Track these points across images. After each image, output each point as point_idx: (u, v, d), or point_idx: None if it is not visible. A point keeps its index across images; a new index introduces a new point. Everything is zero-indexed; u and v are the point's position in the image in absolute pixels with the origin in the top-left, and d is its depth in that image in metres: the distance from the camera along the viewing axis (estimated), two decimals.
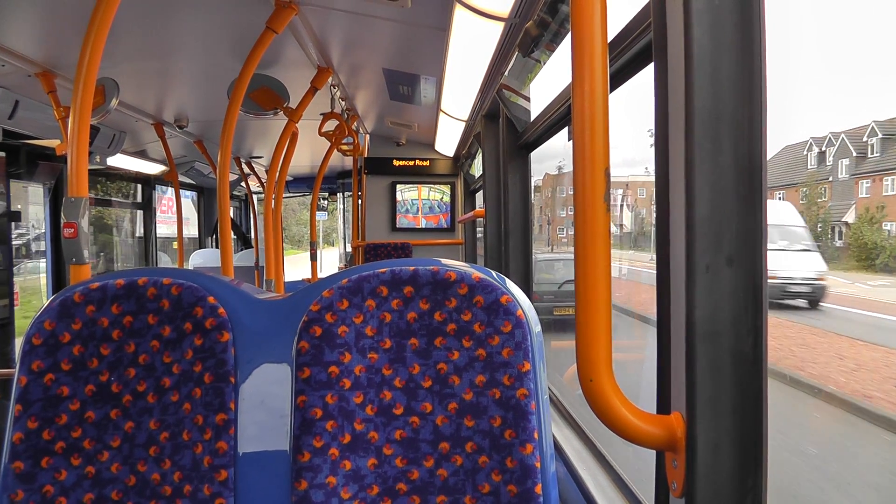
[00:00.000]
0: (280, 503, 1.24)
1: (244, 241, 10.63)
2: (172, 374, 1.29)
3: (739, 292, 1.15)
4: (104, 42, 2.20)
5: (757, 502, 1.16)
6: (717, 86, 1.13)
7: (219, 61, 3.72)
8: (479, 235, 6.76)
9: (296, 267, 14.33)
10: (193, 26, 3.19)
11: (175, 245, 8.39)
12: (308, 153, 7.50)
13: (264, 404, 1.28)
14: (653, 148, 1.27)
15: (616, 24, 1.67)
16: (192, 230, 9.45)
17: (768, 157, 1.13)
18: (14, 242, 4.92)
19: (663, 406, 1.28)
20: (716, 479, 1.15)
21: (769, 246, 1.14)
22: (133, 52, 3.48)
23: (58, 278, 5.57)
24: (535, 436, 1.24)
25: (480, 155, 4.67)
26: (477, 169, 6.53)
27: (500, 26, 2.74)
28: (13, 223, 4.95)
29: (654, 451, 1.30)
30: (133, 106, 4.68)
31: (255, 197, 9.87)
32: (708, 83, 1.12)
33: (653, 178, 1.25)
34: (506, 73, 3.21)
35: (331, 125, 5.03)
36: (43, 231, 5.62)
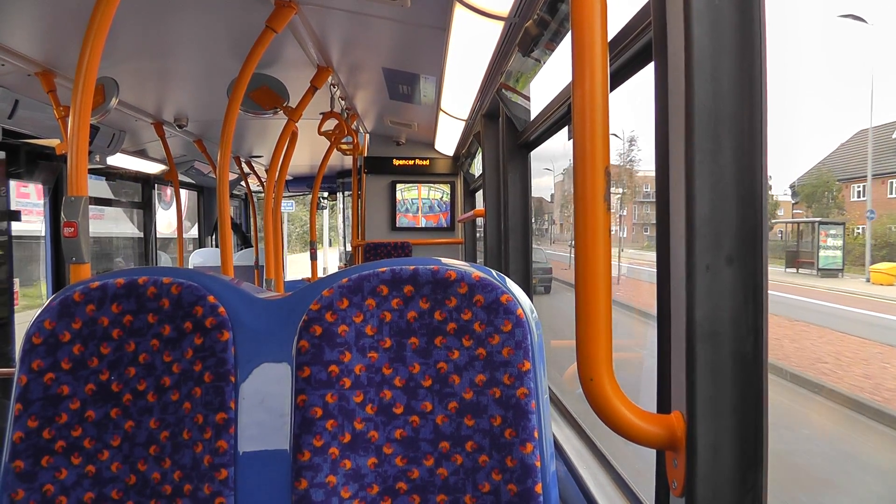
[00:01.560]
0: (280, 502, 1.24)
1: (244, 241, 10.62)
2: (172, 373, 1.29)
3: (739, 292, 1.15)
4: (104, 41, 2.20)
5: (757, 501, 1.16)
6: (718, 85, 1.12)
7: (218, 60, 3.71)
8: (479, 235, 6.76)
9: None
10: (193, 25, 3.19)
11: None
12: (308, 152, 7.49)
13: (264, 403, 1.28)
14: None
15: (616, 23, 1.67)
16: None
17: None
18: None
19: (663, 405, 1.28)
20: (716, 478, 1.15)
21: None
22: (133, 51, 3.48)
23: (57, 277, 5.57)
24: (536, 435, 1.24)
25: (480, 154, 4.67)
26: (477, 168, 6.54)
27: (500, 25, 2.74)
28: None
29: (655, 451, 1.30)
30: (133, 105, 4.68)
31: (254, 196, 9.87)
32: (708, 82, 1.12)
33: None
34: (505, 73, 3.21)
35: (330, 124, 5.03)
36: None
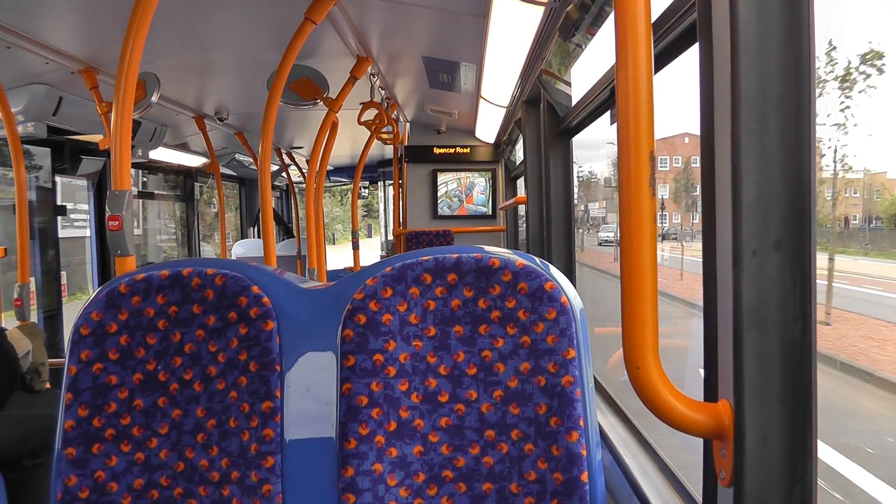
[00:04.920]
0: (327, 489, 1.25)
1: (286, 231, 10.73)
2: (218, 362, 1.31)
3: (787, 278, 1.12)
4: (145, 37, 2.22)
5: (806, 492, 1.14)
6: (764, 65, 1.09)
7: (258, 53, 3.74)
8: (521, 222, 6.73)
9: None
10: (233, 19, 3.21)
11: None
12: (348, 142, 7.53)
13: (310, 392, 1.28)
14: None
15: (660, 3, 1.63)
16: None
17: None
18: None
19: (711, 394, 1.26)
20: (764, 468, 1.13)
21: None
22: (173, 46, 3.52)
23: (103, 270, 5.68)
24: (581, 423, 1.23)
25: (521, 141, 4.64)
26: (518, 155, 6.51)
27: (540, 10, 2.71)
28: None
29: (702, 440, 1.28)
30: (174, 99, 4.74)
31: (296, 187, 9.97)
32: (755, 63, 1.09)
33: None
34: (546, 58, 3.18)
35: (370, 114, 5.03)
36: None
